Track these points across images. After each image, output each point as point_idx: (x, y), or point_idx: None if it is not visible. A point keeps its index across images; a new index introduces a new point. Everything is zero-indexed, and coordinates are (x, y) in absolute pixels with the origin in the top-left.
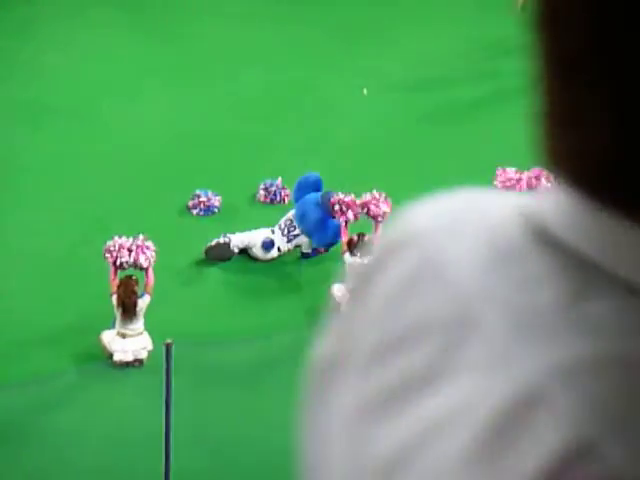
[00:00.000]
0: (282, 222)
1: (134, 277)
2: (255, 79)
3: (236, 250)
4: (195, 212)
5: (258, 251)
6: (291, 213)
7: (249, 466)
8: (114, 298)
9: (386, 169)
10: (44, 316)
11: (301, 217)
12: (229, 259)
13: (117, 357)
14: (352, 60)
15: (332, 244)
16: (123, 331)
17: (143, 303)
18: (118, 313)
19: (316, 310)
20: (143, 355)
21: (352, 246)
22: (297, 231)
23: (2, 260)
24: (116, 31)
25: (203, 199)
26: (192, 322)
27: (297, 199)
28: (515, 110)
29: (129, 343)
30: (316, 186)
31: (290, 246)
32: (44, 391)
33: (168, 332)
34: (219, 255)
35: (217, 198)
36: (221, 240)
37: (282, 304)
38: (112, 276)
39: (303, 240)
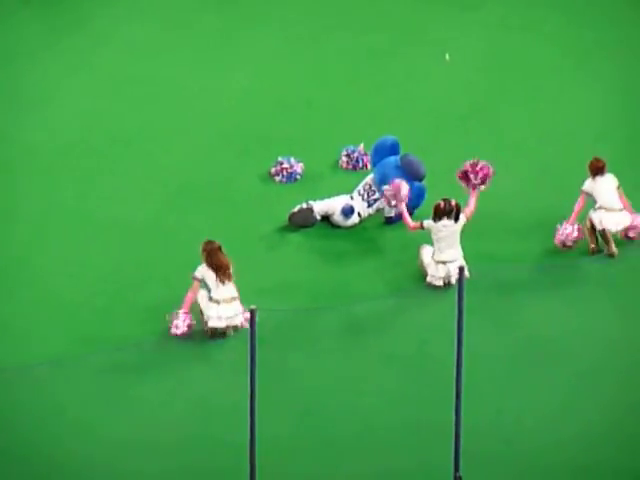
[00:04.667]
0: (361, 187)
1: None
2: (336, 46)
3: (318, 217)
4: (278, 179)
5: (338, 218)
6: (369, 177)
7: (333, 433)
8: (203, 267)
9: (466, 134)
10: (129, 284)
11: (381, 180)
12: (312, 225)
13: (212, 324)
14: (433, 28)
15: (415, 206)
16: (217, 297)
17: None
18: (211, 280)
19: (400, 276)
20: (237, 321)
21: (439, 212)
22: (377, 195)
23: (88, 228)
24: (201, 5)
25: (286, 166)
26: (276, 288)
27: (375, 163)
28: None
29: (223, 310)
30: (393, 149)
31: (371, 211)
32: (130, 358)
33: (252, 298)
34: (303, 221)
35: (299, 165)
36: (304, 206)
37: (365, 270)
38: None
39: (384, 204)
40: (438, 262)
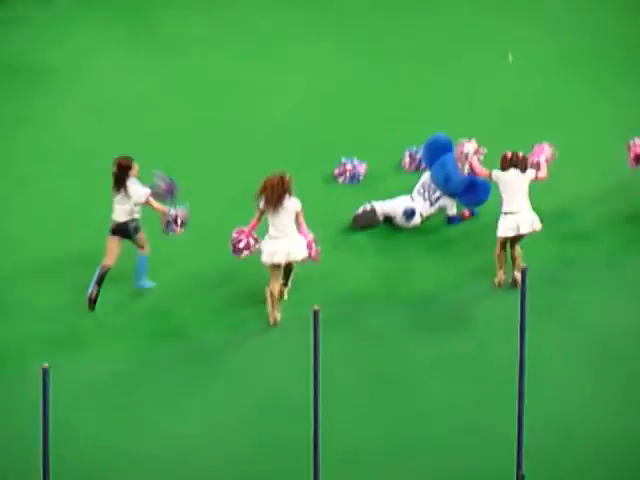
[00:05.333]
0: (419, 187)
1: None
2: (399, 47)
3: (381, 218)
4: (341, 180)
5: (401, 220)
6: (426, 176)
7: (394, 433)
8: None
9: (528, 136)
10: (204, 284)
11: (446, 179)
12: (376, 226)
13: (265, 258)
14: (498, 30)
15: (480, 203)
16: (273, 233)
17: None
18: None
19: (464, 274)
20: (293, 257)
21: (506, 162)
22: (438, 193)
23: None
24: (261, 7)
25: (349, 167)
26: (341, 289)
27: (430, 161)
28: None
29: (276, 244)
30: (448, 147)
31: (433, 210)
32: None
33: (317, 297)
34: (367, 223)
35: (362, 166)
36: (367, 208)
37: (429, 268)
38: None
39: (447, 202)
40: (507, 213)
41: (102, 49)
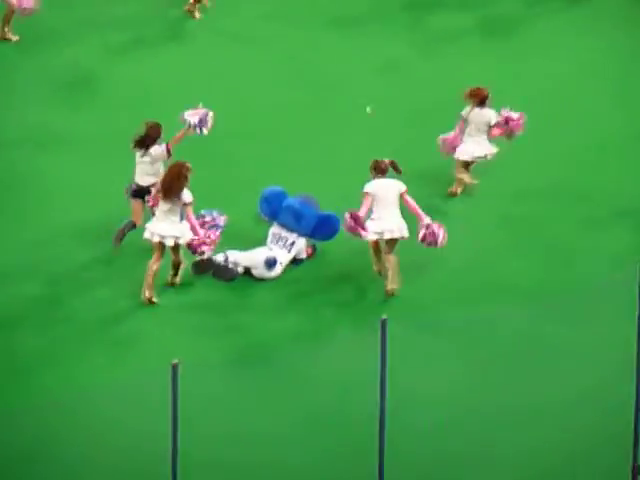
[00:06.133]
0: (270, 238)
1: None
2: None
3: (241, 270)
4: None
5: (262, 270)
6: (273, 228)
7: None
8: None
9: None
10: None
11: (296, 218)
12: (234, 279)
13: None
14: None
15: (333, 235)
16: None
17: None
18: None
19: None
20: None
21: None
22: (291, 239)
23: None
24: None
25: (208, 219)
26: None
27: (271, 212)
28: None
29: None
30: (284, 194)
31: (291, 256)
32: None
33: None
34: (204, 271)
35: (223, 217)
36: (221, 259)
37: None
38: None
39: (300, 245)
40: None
41: None
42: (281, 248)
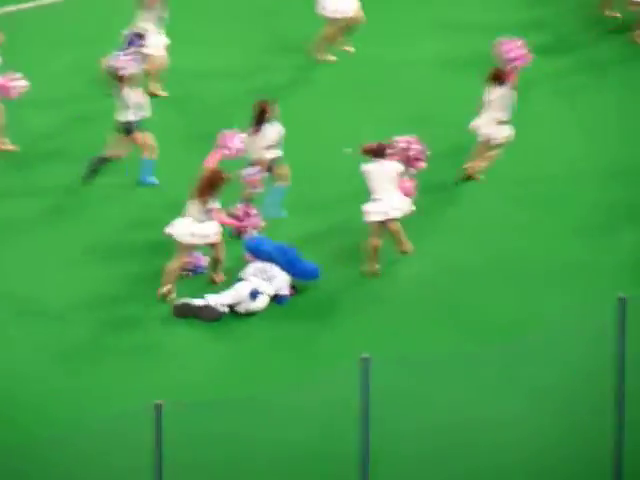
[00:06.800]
0: (251, 271)
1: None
2: None
3: (225, 309)
4: (184, 273)
5: (247, 304)
6: (253, 267)
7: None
8: None
9: None
10: None
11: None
12: (219, 319)
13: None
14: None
15: (315, 275)
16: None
17: None
18: None
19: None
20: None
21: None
22: (271, 272)
23: None
24: None
25: (190, 259)
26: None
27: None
28: None
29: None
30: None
31: (273, 289)
32: None
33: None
34: (183, 314)
35: (205, 258)
36: (201, 303)
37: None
38: None
39: (282, 282)
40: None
41: None
42: (263, 280)
